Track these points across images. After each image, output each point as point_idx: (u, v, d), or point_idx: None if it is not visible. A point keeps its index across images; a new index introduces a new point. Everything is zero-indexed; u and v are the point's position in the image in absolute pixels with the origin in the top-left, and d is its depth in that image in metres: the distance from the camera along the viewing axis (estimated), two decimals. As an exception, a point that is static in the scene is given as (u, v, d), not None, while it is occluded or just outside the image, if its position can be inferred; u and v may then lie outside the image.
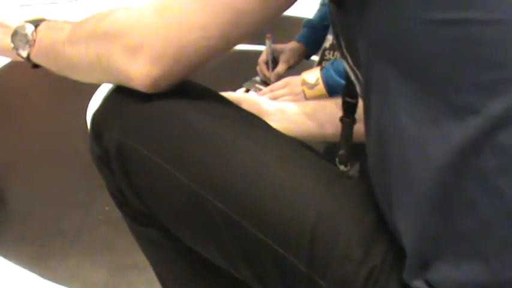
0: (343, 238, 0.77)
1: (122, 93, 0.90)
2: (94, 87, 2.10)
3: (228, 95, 1.06)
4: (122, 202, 0.97)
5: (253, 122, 0.92)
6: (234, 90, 1.99)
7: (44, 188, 1.79)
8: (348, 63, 0.88)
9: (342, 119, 1.07)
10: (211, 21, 0.81)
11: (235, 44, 0.85)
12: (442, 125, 0.70)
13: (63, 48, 0.95)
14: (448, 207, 0.70)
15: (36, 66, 1.04)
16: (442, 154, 0.69)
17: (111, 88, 0.93)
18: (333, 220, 0.78)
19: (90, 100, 2.12)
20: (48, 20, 1.03)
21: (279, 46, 1.99)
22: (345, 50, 0.87)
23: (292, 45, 1.98)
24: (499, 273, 0.68)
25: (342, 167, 1.03)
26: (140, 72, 0.84)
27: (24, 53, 1.01)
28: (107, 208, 0.99)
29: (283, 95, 1.85)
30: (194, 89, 0.92)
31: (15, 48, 1.02)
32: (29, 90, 1.62)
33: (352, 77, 0.89)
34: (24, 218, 1.63)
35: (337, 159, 1.05)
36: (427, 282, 0.72)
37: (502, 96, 0.67)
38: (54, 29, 0.99)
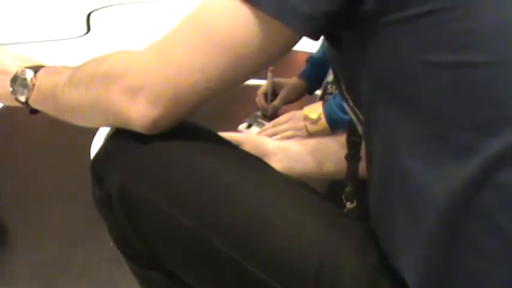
0: (346, 280, 0.77)
1: (122, 136, 0.90)
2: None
3: (230, 135, 1.06)
4: (124, 245, 0.97)
5: (254, 164, 0.93)
6: (237, 125, 2.00)
7: (47, 224, 1.79)
8: (349, 104, 0.88)
9: (347, 157, 1.07)
10: (210, 64, 0.81)
11: (234, 86, 0.85)
12: (443, 165, 0.71)
13: (62, 91, 0.95)
14: (451, 246, 0.70)
15: (34, 111, 1.04)
16: (443, 194, 0.70)
17: (112, 130, 0.94)
18: (335, 261, 0.78)
19: (94, 136, 2.13)
20: (48, 66, 1.03)
21: (281, 80, 2.00)
22: (345, 92, 0.87)
23: (294, 80, 1.98)
24: None
25: (348, 204, 1.04)
26: (139, 113, 0.84)
27: (22, 98, 1.01)
28: (111, 244, 0.99)
29: (285, 130, 1.86)
30: (195, 130, 0.93)
31: (14, 93, 1.02)
32: (33, 125, 1.63)
33: (353, 118, 0.89)
34: (28, 254, 1.63)
35: (343, 195, 1.05)
36: None
37: (500, 135, 0.68)
38: (54, 74, 0.99)
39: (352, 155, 1.07)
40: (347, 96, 0.88)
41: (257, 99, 2.03)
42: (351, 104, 0.87)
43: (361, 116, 0.85)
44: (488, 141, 0.68)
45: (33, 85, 1.00)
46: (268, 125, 1.89)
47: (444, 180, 0.70)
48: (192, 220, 0.84)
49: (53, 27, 3.15)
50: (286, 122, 1.86)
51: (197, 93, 0.83)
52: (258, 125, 1.98)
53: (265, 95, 1.99)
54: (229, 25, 0.79)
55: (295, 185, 0.90)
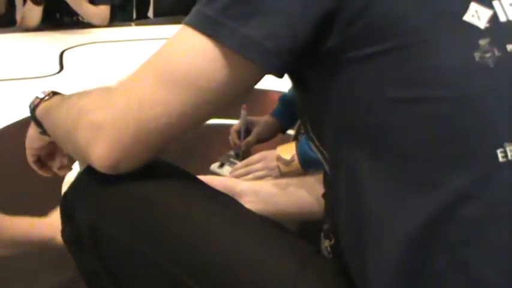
0: None
1: (94, 172, 0.88)
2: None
3: (200, 178, 1.06)
4: (94, 284, 0.95)
5: (225, 202, 0.92)
6: (209, 164, 1.99)
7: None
8: (315, 144, 0.88)
9: (324, 195, 1.07)
10: (173, 98, 0.81)
11: (197, 123, 0.85)
12: (407, 201, 0.71)
13: (53, 111, 0.98)
14: (418, 280, 0.71)
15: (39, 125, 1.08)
16: (408, 229, 0.70)
17: (84, 166, 0.93)
18: None
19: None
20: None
21: (253, 118, 2.00)
22: (310, 131, 0.88)
23: (267, 119, 1.98)
24: None
25: (327, 241, 1.03)
26: (100, 154, 0.83)
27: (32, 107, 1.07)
28: (80, 283, 0.98)
29: (258, 170, 1.85)
30: (167, 168, 0.92)
31: (30, 105, 1.07)
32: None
33: (320, 158, 0.90)
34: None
35: (322, 233, 1.05)
36: None
37: (463, 170, 0.69)
38: (62, 96, 1.03)
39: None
40: (313, 136, 0.88)
41: (230, 137, 2.02)
42: (317, 143, 0.88)
43: (327, 155, 0.85)
44: (451, 176, 0.69)
45: (47, 95, 1.05)
46: (240, 164, 1.88)
47: (409, 215, 0.71)
48: (164, 259, 0.83)
49: (27, 66, 3.15)
50: (259, 161, 1.86)
51: (159, 130, 0.82)
52: (230, 165, 1.97)
53: (239, 132, 1.99)
54: (193, 60, 0.80)
55: (267, 224, 0.90)
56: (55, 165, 1.22)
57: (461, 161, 0.70)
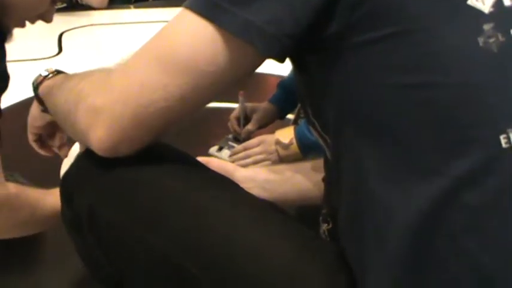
0: None
1: (93, 155, 0.88)
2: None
3: (200, 159, 1.06)
4: (93, 268, 0.95)
5: (227, 186, 0.92)
6: (207, 148, 1.99)
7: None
8: (316, 129, 0.88)
9: (323, 179, 1.07)
10: (172, 82, 0.80)
11: (196, 107, 0.85)
12: (408, 187, 0.71)
13: (55, 91, 0.98)
14: (419, 267, 0.70)
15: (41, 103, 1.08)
16: (410, 217, 0.70)
17: (83, 150, 0.93)
18: (305, 284, 0.78)
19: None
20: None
21: (252, 105, 1.99)
22: (311, 116, 0.88)
23: (265, 105, 1.97)
24: None
25: (325, 225, 1.03)
26: (98, 138, 0.83)
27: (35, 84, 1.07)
28: (80, 267, 0.98)
29: (257, 153, 1.85)
30: (166, 151, 0.92)
31: (33, 82, 1.08)
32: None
33: (321, 142, 0.89)
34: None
35: (320, 217, 1.05)
36: None
37: (464, 157, 0.69)
38: (65, 75, 1.04)
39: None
40: (314, 121, 0.88)
41: (229, 124, 2.01)
42: (318, 128, 0.87)
43: (329, 141, 0.85)
44: (453, 163, 0.69)
45: (51, 73, 1.06)
46: (238, 147, 1.88)
47: (410, 202, 0.70)
48: (163, 244, 0.83)
49: (26, 48, 3.14)
50: (257, 145, 1.86)
51: (158, 114, 0.82)
52: (229, 148, 1.97)
53: (238, 119, 1.99)
54: (193, 43, 0.79)
55: (267, 208, 0.90)
56: (55, 144, 1.21)
57: (463, 148, 0.69)
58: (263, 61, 0.81)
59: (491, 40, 0.70)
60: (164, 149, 0.92)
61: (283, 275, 0.78)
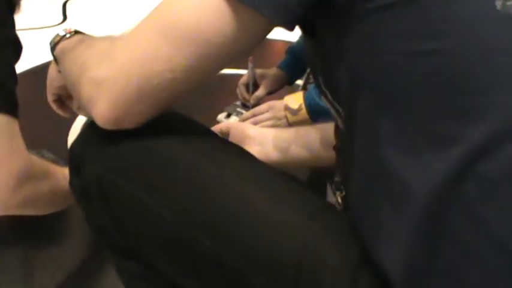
0: (328, 271, 0.76)
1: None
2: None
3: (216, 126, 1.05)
4: (103, 236, 0.95)
5: (237, 154, 0.91)
6: (216, 114, 1.98)
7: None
8: (328, 99, 0.87)
9: (335, 147, 1.06)
10: (176, 54, 0.78)
11: (202, 79, 0.83)
12: (424, 156, 0.69)
13: (66, 55, 0.97)
14: (434, 237, 0.69)
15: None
16: (424, 186, 0.69)
17: (91, 121, 0.92)
18: (318, 253, 0.77)
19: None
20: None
21: (261, 71, 1.98)
22: (323, 85, 0.86)
23: (274, 71, 1.96)
24: None
25: (338, 193, 1.03)
26: (101, 111, 0.81)
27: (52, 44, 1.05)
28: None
29: (266, 119, 1.85)
30: (176, 120, 0.91)
31: (51, 42, 1.06)
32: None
33: (333, 112, 0.88)
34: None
35: (333, 185, 1.04)
36: None
37: (480, 123, 0.67)
38: (80, 38, 1.01)
39: (341, 146, 1.05)
40: (325, 91, 0.86)
41: (238, 90, 2.00)
42: (330, 98, 0.86)
43: (340, 110, 0.83)
44: (469, 130, 0.67)
45: (69, 33, 1.04)
46: (247, 113, 1.87)
47: (425, 172, 0.69)
48: (172, 212, 0.82)
49: (30, 17, 3.13)
50: (267, 111, 1.85)
51: (163, 86, 0.80)
52: (237, 115, 1.96)
53: (247, 85, 1.97)
54: (200, 13, 0.77)
55: (277, 176, 0.88)
56: (74, 105, 1.20)
57: (480, 114, 0.67)
58: (272, 29, 0.79)
59: (509, 3, 0.68)
60: (173, 116, 0.91)
61: (294, 246, 0.77)
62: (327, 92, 0.86)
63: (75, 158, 0.92)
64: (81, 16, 3.25)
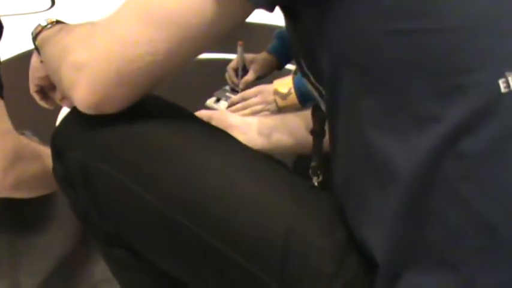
0: (314, 253, 0.76)
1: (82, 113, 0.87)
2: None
3: (198, 113, 1.05)
4: (87, 222, 0.94)
5: (220, 137, 0.91)
6: (205, 99, 1.97)
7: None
8: (310, 81, 0.87)
9: (312, 132, 1.06)
10: (156, 36, 0.78)
11: (183, 62, 0.82)
12: (406, 136, 0.70)
13: (46, 44, 0.96)
14: (417, 216, 0.70)
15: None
16: (406, 166, 0.69)
17: (72, 108, 0.91)
18: (303, 235, 0.77)
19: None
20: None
21: (250, 55, 1.97)
22: (306, 68, 0.86)
23: (264, 55, 1.95)
24: (469, 281, 0.69)
25: (314, 178, 1.03)
26: (81, 96, 0.81)
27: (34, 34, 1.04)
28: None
29: (255, 104, 1.84)
30: (158, 104, 0.90)
31: (32, 32, 1.05)
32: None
33: (316, 95, 0.88)
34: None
35: (310, 170, 1.04)
36: None
37: (461, 103, 0.67)
38: (60, 27, 1.00)
39: (318, 130, 1.05)
40: (308, 73, 0.86)
41: (227, 74, 1.99)
42: (313, 80, 0.85)
43: (323, 92, 0.83)
44: (450, 109, 0.68)
45: (50, 23, 1.03)
46: (236, 97, 1.86)
47: (407, 151, 0.70)
48: (155, 195, 0.82)
49: (17, 2, 3.11)
50: (256, 95, 1.84)
51: (143, 69, 0.80)
52: (226, 100, 1.95)
53: (236, 70, 1.96)
54: None
55: (262, 159, 0.88)
56: (57, 96, 1.19)
57: (461, 94, 0.68)
58: (252, 11, 0.79)
59: None
60: (156, 101, 0.90)
61: (280, 227, 0.77)
62: (310, 75, 0.86)
63: (57, 145, 0.92)
64: (69, 1, 3.22)
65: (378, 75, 0.72)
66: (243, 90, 1.91)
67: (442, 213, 0.69)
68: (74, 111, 0.89)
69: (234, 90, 1.97)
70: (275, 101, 1.82)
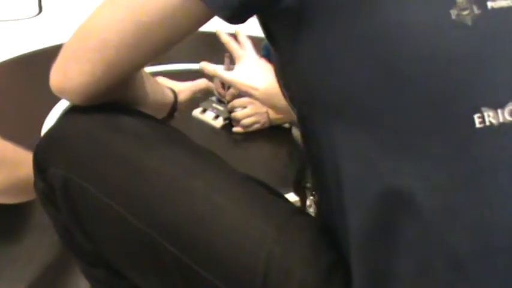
0: (295, 282, 0.75)
1: (67, 125, 0.88)
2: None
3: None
4: (69, 241, 0.94)
5: (204, 158, 0.89)
6: (191, 109, 1.96)
7: None
8: (286, 99, 0.87)
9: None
10: (113, 17, 0.81)
11: (134, 55, 0.83)
12: (378, 166, 0.69)
13: None
14: (388, 246, 0.69)
15: None
16: (375, 196, 0.68)
17: (56, 120, 0.91)
18: (284, 264, 0.76)
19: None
20: None
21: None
22: (282, 86, 0.87)
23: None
24: None
25: (311, 198, 1.03)
26: (51, 78, 0.84)
27: None
28: (55, 238, 0.98)
29: (246, 116, 1.86)
30: (142, 121, 0.90)
31: None
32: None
33: (293, 113, 0.88)
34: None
35: (307, 191, 1.04)
36: None
37: (436, 137, 0.67)
38: None
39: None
40: (284, 91, 0.87)
41: (214, 86, 1.99)
42: (288, 99, 0.86)
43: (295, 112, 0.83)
44: (424, 143, 0.67)
45: None
46: (228, 107, 1.88)
47: (378, 178, 0.69)
48: (137, 217, 0.81)
49: (4, 8, 3.09)
50: (246, 106, 1.85)
51: (96, 47, 0.82)
52: (212, 110, 1.95)
53: (222, 81, 1.96)
54: None
55: (247, 181, 0.87)
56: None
57: (434, 127, 0.66)
58: (210, 18, 0.80)
59: (465, 13, 0.67)
60: (141, 117, 0.91)
61: (260, 257, 0.76)
62: (286, 93, 0.86)
63: (39, 160, 0.90)
64: (57, 8, 3.21)
65: (343, 103, 0.71)
66: (229, 101, 1.91)
67: (413, 245, 0.67)
68: (55, 126, 0.89)
69: (221, 101, 1.97)
70: (267, 112, 1.82)
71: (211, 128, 1.93)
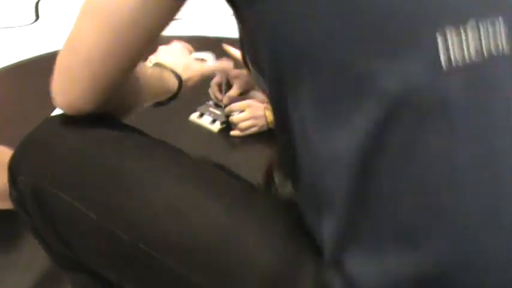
0: (258, 271, 0.75)
1: (38, 134, 0.90)
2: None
3: None
4: (46, 247, 0.95)
5: (163, 153, 0.90)
6: (188, 114, 1.97)
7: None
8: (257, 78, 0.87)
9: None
10: (89, 27, 0.82)
11: (110, 58, 0.83)
12: (343, 116, 0.69)
13: None
14: (366, 204, 0.69)
15: None
16: (347, 150, 0.68)
17: (28, 133, 0.92)
18: (247, 252, 0.76)
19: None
20: None
21: (234, 71, 1.97)
22: (250, 64, 0.87)
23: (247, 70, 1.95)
24: (416, 262, 0.68)
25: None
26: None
27: None
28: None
29: (243, 119, 1.86)
30: (108, 125, 0.91)
31: None
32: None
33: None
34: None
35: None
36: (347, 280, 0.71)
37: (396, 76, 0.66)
38: None
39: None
40: (253, 68, 0.87)
41: (210, 90, 1.98)
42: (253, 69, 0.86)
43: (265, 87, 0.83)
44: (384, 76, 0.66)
45: None
46: (225, 110, 1.89)
47: (346, 135, 0.69)
48: (100, 216, 0.82)
49: (2, 16, 3.10)
50: (243, 110, 1.85)
51: (71, 52, 0.83)
52: (210, 114, 1.95)
53: (220, 85, 1.96)
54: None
55: (198, 165, 0.88)
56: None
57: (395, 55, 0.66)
58: (180, 5, 0.80)
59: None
60: (114, 125, 0.92)
61: (221, 242, 0.77)
62: (255, 70, 0.86)
63: (12, 169, 0.91)
64: (53, 16, 3.22)
65: (314, 56, 0.70)
66: (226, 105, 1.91)
67: (386, 193, 0.68)
68: (27, 137, 0.91)
69: (218, 106, 1.97)
70: (265, 115, 1.82)
71: (209, 133, 1.93)
